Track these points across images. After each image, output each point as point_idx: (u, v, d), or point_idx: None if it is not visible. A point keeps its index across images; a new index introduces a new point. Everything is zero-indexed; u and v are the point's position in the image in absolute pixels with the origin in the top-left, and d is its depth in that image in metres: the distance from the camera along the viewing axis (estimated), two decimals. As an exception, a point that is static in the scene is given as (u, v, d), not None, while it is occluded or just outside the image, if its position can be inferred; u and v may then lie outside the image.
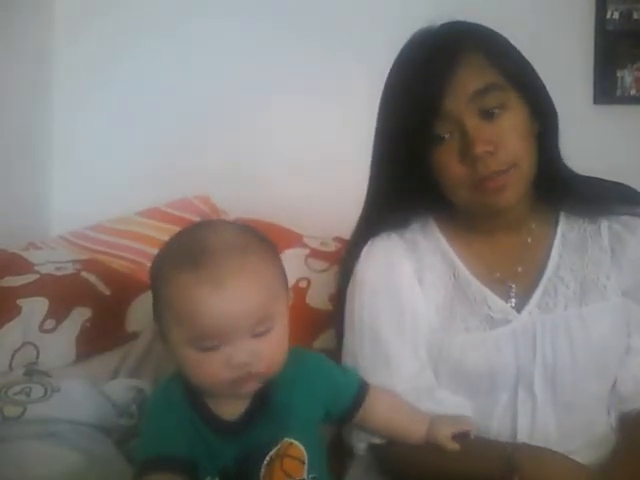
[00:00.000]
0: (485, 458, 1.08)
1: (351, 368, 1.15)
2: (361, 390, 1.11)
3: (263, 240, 1.03)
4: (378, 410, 1.12)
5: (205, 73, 2.17)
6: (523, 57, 1.18)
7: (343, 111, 2.00)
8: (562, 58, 1.97)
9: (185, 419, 1.00)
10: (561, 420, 1.13)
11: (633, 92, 2.00)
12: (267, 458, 0.98)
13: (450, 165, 1.11)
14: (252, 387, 0.99)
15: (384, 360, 1.16)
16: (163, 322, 0.99)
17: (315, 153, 2.07)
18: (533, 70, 1.18)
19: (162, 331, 1.01)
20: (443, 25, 1.17)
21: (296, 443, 1.00)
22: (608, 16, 1.98)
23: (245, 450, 0.99)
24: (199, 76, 2.17)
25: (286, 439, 1.00)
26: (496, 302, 1.16)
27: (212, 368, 0.96)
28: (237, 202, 1.99)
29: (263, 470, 0.98)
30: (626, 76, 1.99)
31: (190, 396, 1.01)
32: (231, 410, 1.01)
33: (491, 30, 1.18)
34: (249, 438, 0.99)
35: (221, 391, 0.98)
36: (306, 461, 1.00)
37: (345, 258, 1.27)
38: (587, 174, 1.24)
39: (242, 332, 0.95)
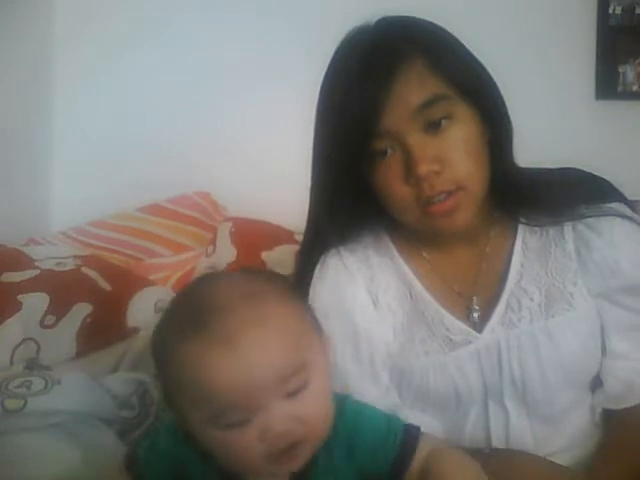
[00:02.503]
0: None
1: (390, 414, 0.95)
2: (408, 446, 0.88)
3: (274, 281, 0.87)
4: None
5: (205, 73, 2.17)
6: (473, 57, 1.05)
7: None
8: (564, 54, 1.98)
9: None
10: (536, 428, 1.08)
11: (635, 88, 1.99)
12: None
13: (394, 186, 1.00)
14: (300, 461, 0.81)
15: (343, 388, 1.03)
16: (178, 406, 0.83)
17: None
18: (484, 72, 1.06)
19: (178, 417, 0.84)
20: (378, 24, 1.04)
21: None
22: (610, 11, 1.98)
23: None
24: (199, 76, 2.17)
25: None
26: (454, 323, 1.07)
27: (244, 446, 0.78)
28: (237, 199, 1.99)
29: None
30: (628, 72, 1.99)
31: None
32: None
33: (434, 28, 1.05)
34: None
35: (258, 472, 0.81)
36: None
37: (297, 277, 1.14)
38: (588, 170, 1.18)
39: (272, 395, 0.78)
